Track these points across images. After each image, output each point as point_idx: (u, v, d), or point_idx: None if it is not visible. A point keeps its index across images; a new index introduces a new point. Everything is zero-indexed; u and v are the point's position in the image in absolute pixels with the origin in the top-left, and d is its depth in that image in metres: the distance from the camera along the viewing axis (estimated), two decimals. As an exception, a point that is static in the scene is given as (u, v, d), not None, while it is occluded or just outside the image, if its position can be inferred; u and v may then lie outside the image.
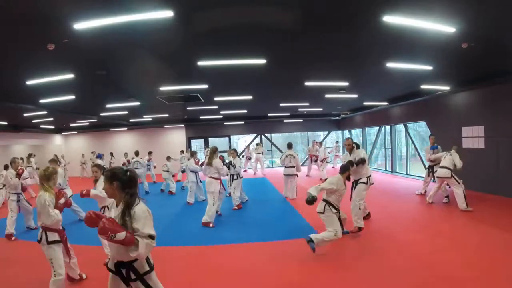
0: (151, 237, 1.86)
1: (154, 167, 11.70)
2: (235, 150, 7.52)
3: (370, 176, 5.09)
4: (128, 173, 1.98)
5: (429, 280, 3.22)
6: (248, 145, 16.83)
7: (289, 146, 8.31)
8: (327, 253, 4.12)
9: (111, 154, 14.76)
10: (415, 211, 6.32)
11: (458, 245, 4.20)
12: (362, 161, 4.99)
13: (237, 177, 7.07)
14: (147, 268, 2.00)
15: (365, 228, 4.79)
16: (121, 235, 1.78)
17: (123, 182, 1.94)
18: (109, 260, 2.06)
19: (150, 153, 11.62)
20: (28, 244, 4.72)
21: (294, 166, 7.87)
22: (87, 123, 14.07)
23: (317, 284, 3.32)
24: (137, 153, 10.43)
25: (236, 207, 6.98)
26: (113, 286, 2.02)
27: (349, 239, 4.62)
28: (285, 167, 7.98)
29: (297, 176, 8.11)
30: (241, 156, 13.27)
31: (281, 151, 16.76)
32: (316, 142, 13.20)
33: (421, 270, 3.45)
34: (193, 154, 8.06)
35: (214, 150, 6.05)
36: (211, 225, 5.72)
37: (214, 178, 5.92)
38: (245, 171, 14.18)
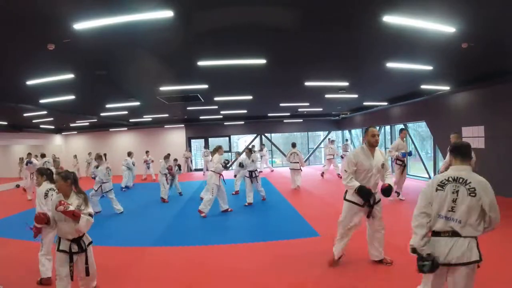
0: (90, 214, 2.73)
1: (152, 161, 12.10)
2: (249, 149, 8.24)
3: None
4: (73, 175, 2.88)
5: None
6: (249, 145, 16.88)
7: (293, 145, 9.89)
8: (326, 253, 4.12)
9: (104, 155, 14.76)
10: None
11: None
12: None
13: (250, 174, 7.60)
14: (90, 240, 2.94)
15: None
16: (72, 207, 2.65)
17: (73, 180, 2.83)
18: (58, 246, 2.78)
19: (147, 152, 11.78)
20: (25, 244, 4.71)
21: (297, 162, 9.48)
22: (87, 123, 14.05)
23: (317, 284, 3.33)
24: (128, 154, 11.22)
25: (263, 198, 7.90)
26: (62, 264, 2.74)
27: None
28: (291, 162, 9.62)
29: (301, 170, 9.76)
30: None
31: (281, 151, 17.31)
32: (347, 141, 13.78)
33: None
34: (212, 153, 8.42)
35: (217, 148, 6.86)
36: (203, 214, 6.27)
37: (215, 172, 6.51)
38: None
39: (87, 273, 2.85)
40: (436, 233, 2.14)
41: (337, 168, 11.95)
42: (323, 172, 12.07)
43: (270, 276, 3.55)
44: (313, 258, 3.96)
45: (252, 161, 7.62)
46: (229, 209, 6.78)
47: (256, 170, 7.61)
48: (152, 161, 12.71)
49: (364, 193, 3.40)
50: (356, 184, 3.40)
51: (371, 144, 3.51)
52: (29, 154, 9.98)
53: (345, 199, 3.64)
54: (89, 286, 3.00)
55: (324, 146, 15.54)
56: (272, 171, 15.13)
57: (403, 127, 7.31)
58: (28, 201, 8.77)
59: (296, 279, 3.45)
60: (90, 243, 2.93)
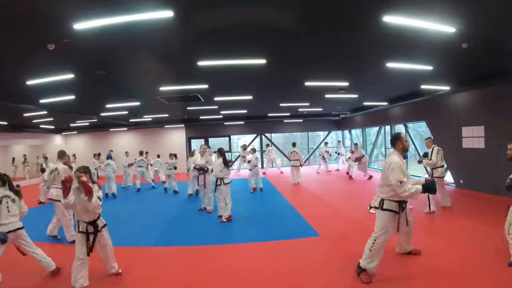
0: (99, 198, 3.33)
1: (151, 165, 11.99)
2: (220, 150, 6.39)
3: None
4: (87, 169, 3.44)
5: (428, 281, 3.23)
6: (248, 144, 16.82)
7: (293, 144, 11.02)
8: (326, 252, 4.12)
9: (98, 154, 14.72)
10: (413, 211, 6.31)
11: (458, 245, 4.20)
12: None
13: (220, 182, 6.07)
14: (105, 222, 3.57)
15: (362, 228, 4.79)
16: (87, 181, 3.22)
17: (89, 173, 3.41)
18: (78, 228, 3.37)
19: (146, 153, 11.76)
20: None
21: (298, 159, 10.59)
22: (87, 123, 14.05)
23: (317, 283, 3.33)
24: (141, 153, 11.10)
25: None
26: (81, 243, 3.30)
27: (348, 240, 4.63)
28: (290, 160, 10.82)
29: (301, 166, 10.84)
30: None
31: (281, 151, 17.41)
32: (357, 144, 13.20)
33: (423, 272, 3.46)
34: (216, 152, 8.52)
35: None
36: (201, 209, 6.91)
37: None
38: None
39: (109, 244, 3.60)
40: None
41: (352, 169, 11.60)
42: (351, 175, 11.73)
43: (270, 276, 3.54)
44: (313, 258, 3.96)
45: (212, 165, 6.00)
46: (206, 209, 6.87)
47: (223, 179, 6.01)
48: (151, 164, 12.63)
49: (432, 187, 3.30)
50: (420, 186, 3.23)
51: (406, 150, 3.45)
52: (46, 158, 9.86)
53: (382, 209, 3.34)
54: (113, 268, 3.63)
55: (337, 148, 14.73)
56: (282, 172, 14.32)
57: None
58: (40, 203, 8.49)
59: (296, 279, 3.45)
60: (104, 225, 3.55)
